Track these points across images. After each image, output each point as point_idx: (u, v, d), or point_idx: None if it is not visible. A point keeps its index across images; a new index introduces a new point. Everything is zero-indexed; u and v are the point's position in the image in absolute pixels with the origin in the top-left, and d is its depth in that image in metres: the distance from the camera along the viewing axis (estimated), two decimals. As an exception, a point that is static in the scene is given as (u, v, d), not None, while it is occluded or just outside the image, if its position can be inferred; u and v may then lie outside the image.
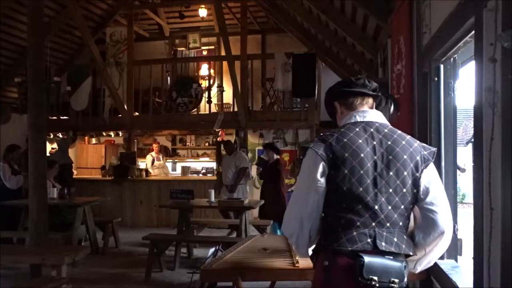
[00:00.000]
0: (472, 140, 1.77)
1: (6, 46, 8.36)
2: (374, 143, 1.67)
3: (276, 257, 2.67)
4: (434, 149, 1.76)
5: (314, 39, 8.10)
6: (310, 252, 1.77)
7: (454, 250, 2.41)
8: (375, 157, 1.65)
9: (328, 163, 1.65)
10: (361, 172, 1.63)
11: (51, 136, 9.73)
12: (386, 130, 1.72)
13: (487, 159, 1.55)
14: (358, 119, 1.76)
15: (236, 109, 8.60)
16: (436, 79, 2.46)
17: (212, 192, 6.14)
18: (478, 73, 1.64)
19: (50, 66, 8.70)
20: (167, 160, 10.74)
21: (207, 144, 10.95)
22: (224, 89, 10.00)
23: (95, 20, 9.72)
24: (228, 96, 9.69)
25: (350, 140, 1.67)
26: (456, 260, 2.40)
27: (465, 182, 2.89)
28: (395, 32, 3.44)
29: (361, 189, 1.62)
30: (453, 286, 2.03)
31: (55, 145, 9.61)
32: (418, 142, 1.75)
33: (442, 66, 2.44)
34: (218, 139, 10.33)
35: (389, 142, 1.68)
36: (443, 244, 1.73)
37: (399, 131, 1.75)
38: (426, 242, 1.71)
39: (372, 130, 1.71)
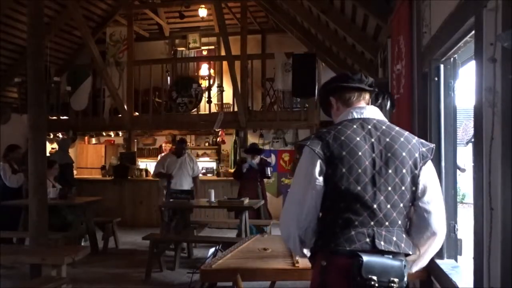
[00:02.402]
0: (472, 140, 1.76)
1: (6, 46, 8.36)
2: (372, 140, 1.64)
3: (276, 257, 2.67)
4: (432, 145, 1.73)
5: (314, 39, 8.09)
6: (308, 253, 1.74)
7: (454, 250, 2.42)
8: (374, 155, 1.62)
9: (326, 162, 1.61)
10: (359, 170, 1.60)
11: (51, 136, 9.73)
12: (384, 127, 1.69)
13: (487, 159, 1.55)
14: (356, 115, 1.72)
15: (236, 109, 8.59)
16: (436, 79, 2.46)
17: (212, 192, 6.12)
18: (478, 73, 1.64)
19: (50, 66, 8.73)
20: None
21: (207, 144, 10.93)
22: (224, 89, 9.99)
23: (95, 20, 9.72)
24: (228, 96, 9.69)
25: (347, 138, 1.63)
26: (456, 260, 2.40)
27: (465, 182, 2.89)
28: (395, 32, 3.44)
29: (359, 188, 1.59)
30: (453, 286, 2.03)
31: (55, 145, 9.61)
32: (416, 138, 1.72)
33: (442, 66, 2.44)
34: (218, 139, 10.33)
35: (388, 139, 1.65)
36: (436, 245, 1.71)
37: (397, 128, 1.72)
38: (419, 242, 1.69)
39: (369, 127, 1.67)
